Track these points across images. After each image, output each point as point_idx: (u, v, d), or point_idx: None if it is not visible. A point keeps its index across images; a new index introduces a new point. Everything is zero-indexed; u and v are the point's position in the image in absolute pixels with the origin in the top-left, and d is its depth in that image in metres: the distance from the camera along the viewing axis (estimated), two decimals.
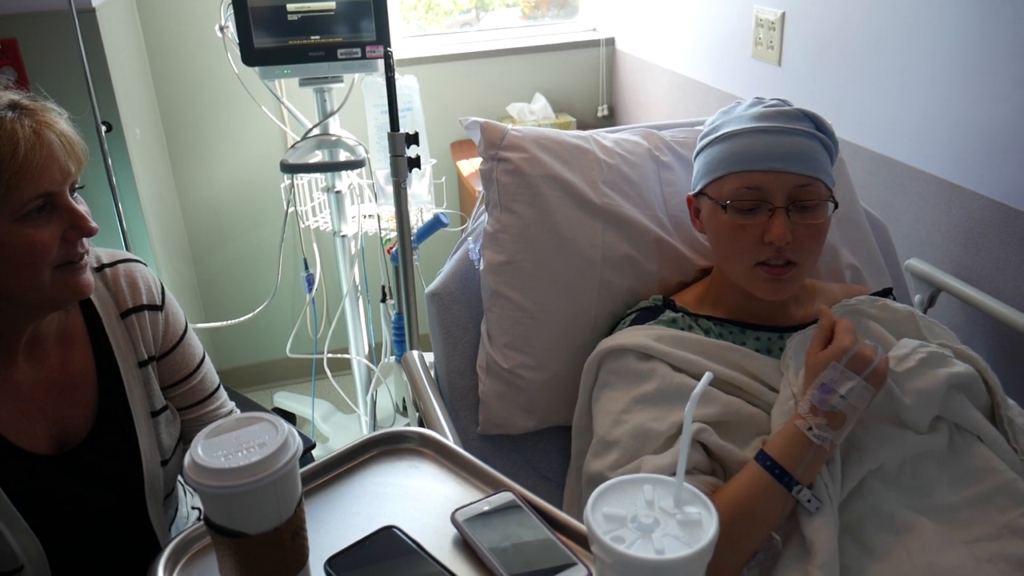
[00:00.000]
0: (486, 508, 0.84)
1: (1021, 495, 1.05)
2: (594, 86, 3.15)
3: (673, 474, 1.05)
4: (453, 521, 0.82)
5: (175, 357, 1.19)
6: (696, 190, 1.22)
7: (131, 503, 1.12)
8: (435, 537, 0.82)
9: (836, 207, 1.16)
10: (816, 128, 1.16)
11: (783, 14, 2.02)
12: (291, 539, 0.73)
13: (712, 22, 2.38)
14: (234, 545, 0.70)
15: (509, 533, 0.81)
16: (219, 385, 1.27)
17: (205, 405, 1.23)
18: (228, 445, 0.71)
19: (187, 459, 0.70)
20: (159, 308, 1.17)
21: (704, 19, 2.42)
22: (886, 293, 1.29)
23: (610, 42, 3.09)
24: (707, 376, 0.73)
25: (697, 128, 1.46)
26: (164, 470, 1.15)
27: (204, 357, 1.24)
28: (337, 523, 0.85)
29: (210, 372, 1.25)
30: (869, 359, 1.02)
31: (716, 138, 1.19)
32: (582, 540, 0.81)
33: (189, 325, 1.23)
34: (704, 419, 1.09)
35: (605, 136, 1.40)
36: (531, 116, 2.95)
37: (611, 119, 3.17)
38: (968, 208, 1.56)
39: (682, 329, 1.19)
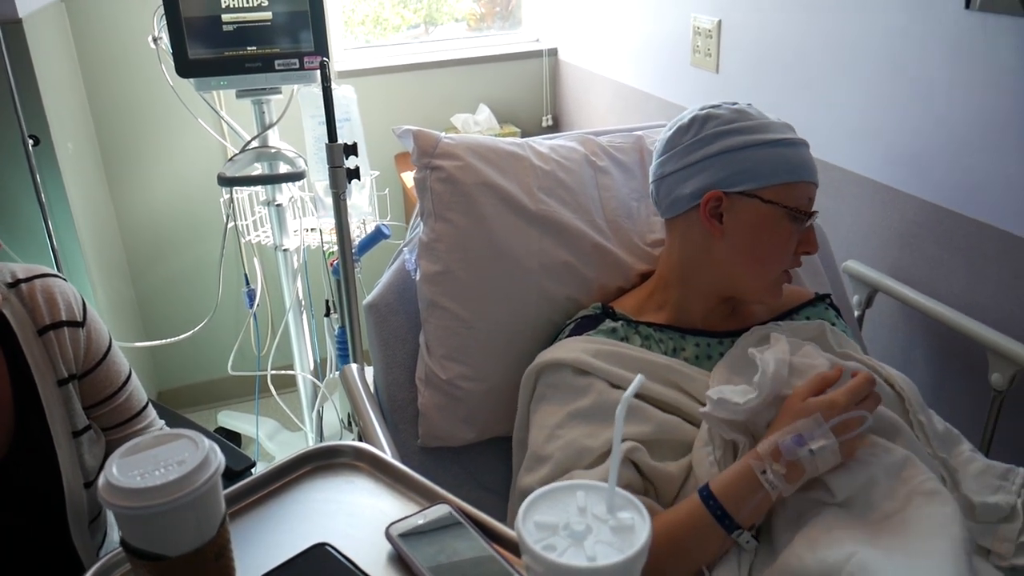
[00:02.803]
0: (421, 522, 0.82)
1: (923, 465, 1.01)
2: (538, 96, 3.15)
3: None
4: (387, 536, 0.80)
5: (98, 375, 1.15)
6: (735, 189, 1.15)
7: (53, 528, 1.08)
8: (369, 553, 0.79)
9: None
10: None
11: (719, 22, 2.05)
12: (215, 560, 0.70)
13: (652, 31, 2.40)
14: (154, 568, 0.67)
15: (445, 547, 0.79)
16: (147, 403, 1.23)
17: (131, 424, 1.19)
18: (145, 463, 0.68)
19: (101, 479, 0.67)
20: (80, 324, 1.12)
21: (644, 29, 2.44)
22: (824, 298, 1.30)
23: (553, 52, 3.10)
24: (638, 379, 0.71)
25: (635, 133, 1.47)
26: (88, 492, 1.10)
27: (130, 375, 1.20)
28: (268, 542, 0.82)
29: (137, 390, 1.21)
30: (852, 427, 0.97)
31: (769, 141, 1.15)
32: (518, 551, 0.80)
33: (114, 342, 1.19)
34: (637, 437, 1.07)
35: (541, 143, 1.39)
36: (475, 127, 2.95)
37: (555, 129, 3.18)
38: (902, 210, 1.59)
39: (622, 339, 1.18)
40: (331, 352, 2.44)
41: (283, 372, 2.56)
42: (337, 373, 2.34)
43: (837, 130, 1.72)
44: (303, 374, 2.49)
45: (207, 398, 3.07)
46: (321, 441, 2.43)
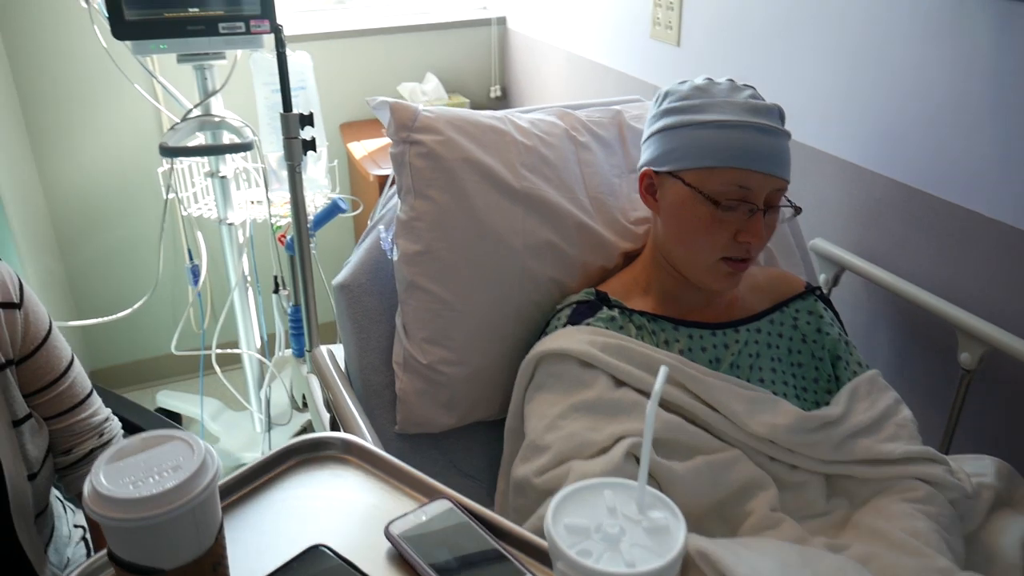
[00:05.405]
0: (423, 519, 0.78)
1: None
2: (486, 66, 3.09)
3: None
4: (387, 535, 0.76)
5: (38, 360, 1.07)
6: (662, 168, 1.14)
7: None
8: (368, 553, 0.75)
9: (799, 212, 1.17)
10: (782, 124, 1.15)
11: None
12: (212, 570, 0.65)
13: (607, 1, 2.35)
14: None
15: (451, 546, 0.75)
16: (91, 391, 1.15)
17: (75, 413, 1.12)
18: (136, 469, 0.62)
19: (87, 488, 0.60)
20: (16, 306, 1.04)
21: None
22: (814, 290, 1.29)
23: (501, 21, 3.03)
24: (663, 370, 0.68)
25: (613, 107, 1.43)
26: (32, 485, 1.03)
27: (72, 360, 1.12)
28: (258, 544, 0.77)
29: (80, 376, 1.13)
30: None
31: (703, 122, 1.10)
32: (526, 547, 0.76)
33: (54, 325, 1.11)
34: (640, 434, 1.04)
35: (520, 117, 1.34)
36: (423, 96, 2.87)
37: (504, 100, 3.12)
38: (869, 188, 1.59)
39: (619, 328, 1.14)
40: (280, 330, 2.36)
41: (228, 351, 2.46)
42: (288, 351, 2.26)
43: (804, 108, 1.71)
44: (250, 352, 2.40)
45: (145, 377, 2.94)
46: (269, 421, 2.36)
